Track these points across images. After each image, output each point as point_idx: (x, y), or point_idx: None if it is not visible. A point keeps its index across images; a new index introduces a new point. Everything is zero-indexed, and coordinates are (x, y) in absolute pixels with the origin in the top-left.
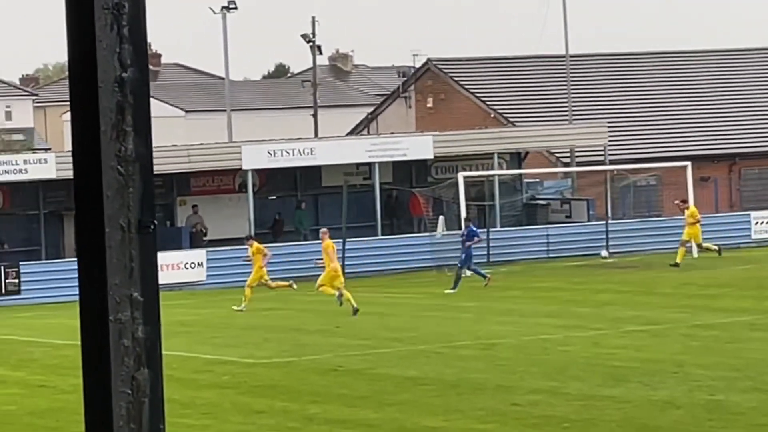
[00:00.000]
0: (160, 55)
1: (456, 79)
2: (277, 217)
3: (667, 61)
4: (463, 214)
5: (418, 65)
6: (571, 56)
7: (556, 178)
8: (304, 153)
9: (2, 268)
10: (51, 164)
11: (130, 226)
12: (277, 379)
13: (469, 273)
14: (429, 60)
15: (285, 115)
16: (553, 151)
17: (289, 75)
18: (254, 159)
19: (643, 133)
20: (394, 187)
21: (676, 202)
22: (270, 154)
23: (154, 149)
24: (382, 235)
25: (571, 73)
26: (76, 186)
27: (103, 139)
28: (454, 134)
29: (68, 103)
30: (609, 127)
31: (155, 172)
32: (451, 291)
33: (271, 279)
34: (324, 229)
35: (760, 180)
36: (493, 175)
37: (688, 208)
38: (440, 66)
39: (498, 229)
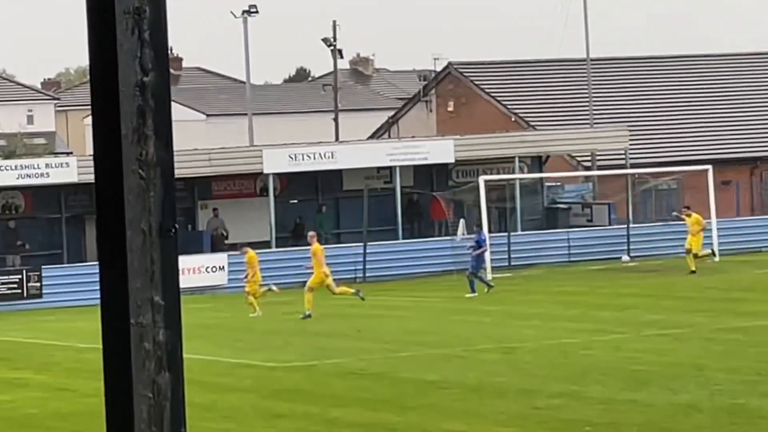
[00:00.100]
0: (181, 59)
1: (477, 82)
2: (298, 220)
3: (688, 65)
4: (485, 218)
5: (439, 69)
6: (592, 60)
7: (577, 182)
8: (325, 157)
9: (24, 271)
10: (73, 168)
11: (151, 229)
12: (298, 382)
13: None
14: (450, 64)
15: (306, 119)
16: (574, 154)
17: (310, 79)
18: (275, 163)
19: (665, 137)
20: (415, 190)
21: (675, 213)
22: (291, 158)
23: (175, 153)
24: (403, 238)
25: (592, 76)
26: (97, 190)
27: (124, 143)
28: (475, 138)
29: (89, 107)
30: (630, 130)
31: (176, 176)
32: (472, 295)
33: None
34: (312, 233)
35: None
36: (514, 179)
37: (690, 215)
38: (461, 70)
39: (519, 233)
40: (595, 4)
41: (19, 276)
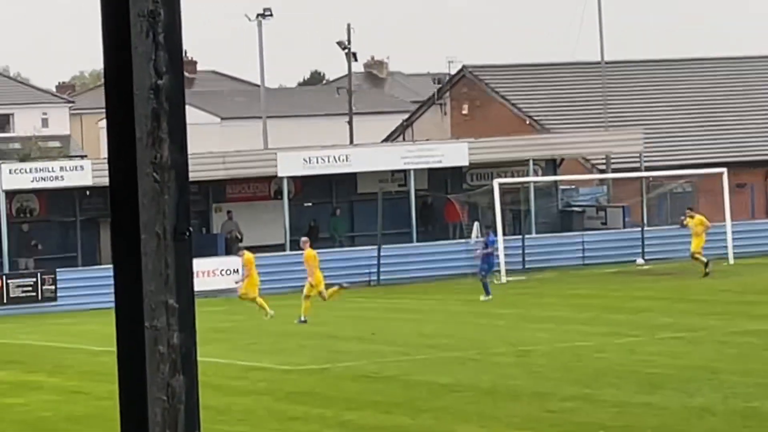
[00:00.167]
0: (195, 63)
1: (491, 85)
2: (313, 223)
3: (702, 68)
4: (499, 221)
5: (453, 72)
6: (607, 63)
7: (591, 185)
8: (339, 160)
9: (39, 274)
10: (87, 171)
11: (165, 233)
12: (312, 385)
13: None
14: (464, 67)
15: (320, 122)
16: (588, 157)
17: (324, 82)
18: (290, 166)
19: (679, 140)
20: (429, 193)
21: (681, 217)
22: (305, 161)
23: (189, 156)
24: (418, 241)
25: (607, 79)
26: (112, 193)
27: (138, 146)
28: (490, 141)
29: (104, 110)
30: (645, 133)
31: (191, 179)
32: (486, 298)
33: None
34: (304, 238)
35: None
36: (528, 182)
37: (693, 217)
38: (476, 73)
39: (533, 235)
40: (609, 6)
41: (34, 279)
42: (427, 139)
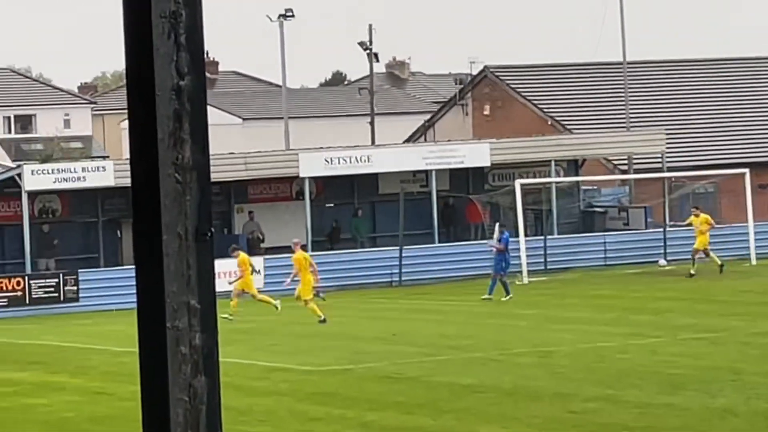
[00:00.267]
0: (217, 63)
1: (513, 86)
2: (334, 224)
3: (725, 68)
4: (521, 222)
5: (475, 73)
6: (629, 63)
7: (613, 186)
8: (361, 161)
9: (61, 275)
10: (109, 172)
11: (187, 233)
12: (334, 386)
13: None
14: (486, 67)
15: (342, 123)
16: (610, 158)
17: (346, 82)
18: (311, 166)
19: (701, 140)
20: (451, 194)
21: (687, 220)
22: (327, 161)
23: (211, 157)
24: (439, 242)
25: (629, 80)
26: (133, 194)
27: (160, 147)
28: (511, 141)
29: (126, 111)
30: (667, 134)
31: (212, 180)
32: (508, 297)
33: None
34: (296, 240)
35: None
36: (550, 183)
37: (698, 216)
38: (497, 73)
39: (555, 236)
40: (631, 6)
41: (56, 280)
42: (449, 140)
